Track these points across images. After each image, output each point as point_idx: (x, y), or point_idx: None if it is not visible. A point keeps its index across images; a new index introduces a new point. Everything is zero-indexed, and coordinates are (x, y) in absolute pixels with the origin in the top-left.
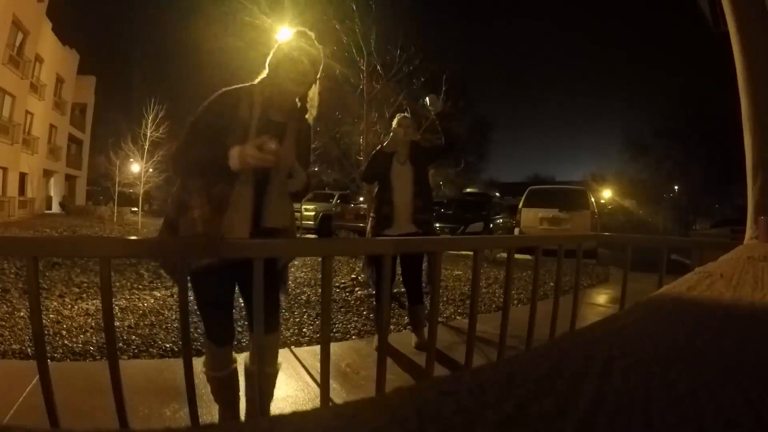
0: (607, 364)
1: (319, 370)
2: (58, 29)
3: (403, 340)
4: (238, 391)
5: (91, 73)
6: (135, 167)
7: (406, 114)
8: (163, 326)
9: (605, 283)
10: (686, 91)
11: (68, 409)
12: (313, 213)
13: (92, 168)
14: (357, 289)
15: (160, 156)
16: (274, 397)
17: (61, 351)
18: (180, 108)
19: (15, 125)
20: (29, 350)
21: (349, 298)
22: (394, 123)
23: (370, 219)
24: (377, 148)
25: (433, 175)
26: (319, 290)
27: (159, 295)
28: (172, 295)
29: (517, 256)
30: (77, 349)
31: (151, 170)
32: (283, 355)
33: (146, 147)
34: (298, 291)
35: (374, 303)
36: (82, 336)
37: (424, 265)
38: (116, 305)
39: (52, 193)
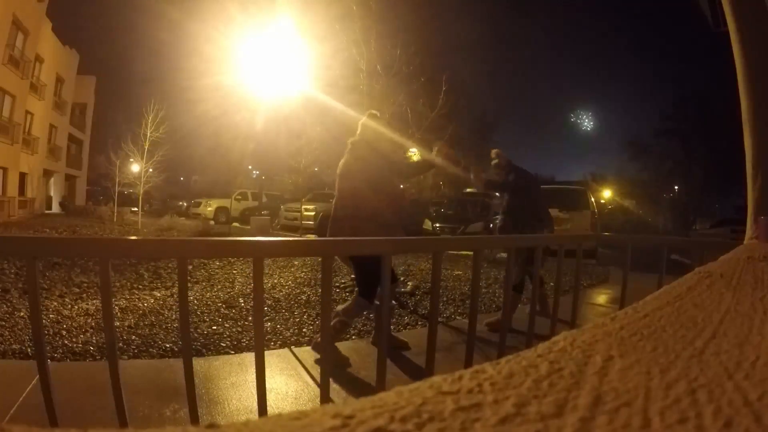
0: (607, 364)
1: (319, 370)
2: (58, 29)
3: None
4: None
5: (91, 73)
6: (135, 167)
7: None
8: (163, 326)
9: (605, 283)
10: (686, 90)
11: (68, 409)
12: (313, 213)
13: (92, 168)
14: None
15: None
16: (275, 398)
17: (61, 351)
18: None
19: (15, 125)
20: (29, 350)
21: (349, 298)
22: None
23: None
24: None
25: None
26: (319, 290)
27: (159, 295)
28: (172, 295)
29: None
30: (77, 349)
31: (150, 170)
32: (283, 355)
33: (146, 147)
34: (297, 291)
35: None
36: (82, 336)
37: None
38: (116, 305)
39: (52, 193)
